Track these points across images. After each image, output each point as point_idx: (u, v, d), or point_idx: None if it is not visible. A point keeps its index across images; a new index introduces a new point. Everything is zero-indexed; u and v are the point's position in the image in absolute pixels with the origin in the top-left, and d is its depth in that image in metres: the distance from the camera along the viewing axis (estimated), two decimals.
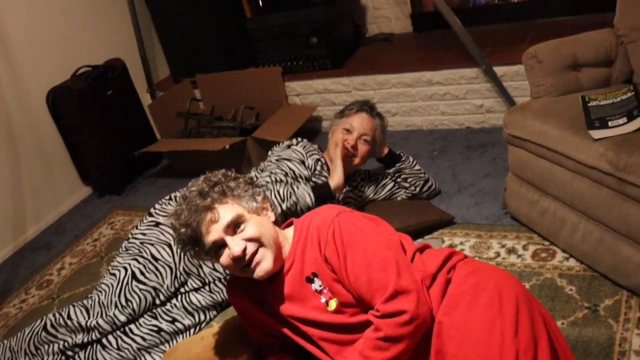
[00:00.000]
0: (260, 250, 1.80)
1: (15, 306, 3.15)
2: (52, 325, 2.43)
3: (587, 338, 1.98)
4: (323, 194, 2.60)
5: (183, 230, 1.80)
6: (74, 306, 2.46)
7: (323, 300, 1.81)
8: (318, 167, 2.74)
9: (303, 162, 2.74)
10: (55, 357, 2.41)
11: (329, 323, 1.81)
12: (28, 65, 3.83)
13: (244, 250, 1.77)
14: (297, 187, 2.57)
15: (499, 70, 3.36)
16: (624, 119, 2.13)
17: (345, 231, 1.77)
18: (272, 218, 1.92)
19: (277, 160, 2.75)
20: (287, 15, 4.06)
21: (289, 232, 1.95)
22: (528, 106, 2.47)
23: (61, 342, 2.41)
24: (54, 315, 2.46)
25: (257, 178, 2.67)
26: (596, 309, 2.10)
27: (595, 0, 3.49)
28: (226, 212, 1.79)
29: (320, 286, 1.81)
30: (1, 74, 3.68)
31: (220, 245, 1.80)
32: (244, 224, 1.80)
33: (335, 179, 2.63)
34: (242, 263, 1.79)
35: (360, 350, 1.70)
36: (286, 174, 2.66)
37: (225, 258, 1.80)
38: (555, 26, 3.46)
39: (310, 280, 1.83)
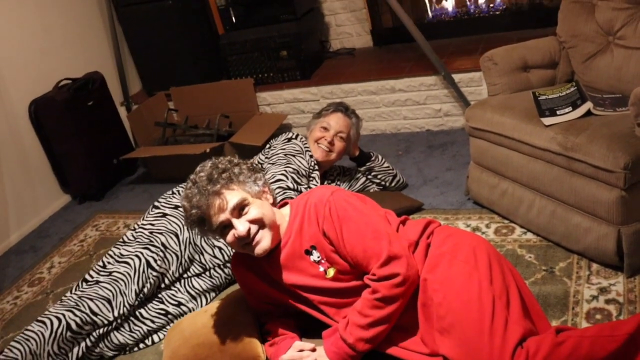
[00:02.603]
0: (261, 231, 2.06)
1: (9, 302, 3.29)
2: (77, 325, 2.46)
3: (547, 293, 2.31)
4: None
5: (194, 211, 2.04)
6: (91, 299, 2.53)
7: (322, 269, 2.08)
8: (312, 163, 3.01)
9: (303, 155, 3.01)
10: (81, 350, 2.52)
11: (328, 288, 2.09)
12: (10, 78, 4.00)
13: (248, 230, 2.03)
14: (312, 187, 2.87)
15: (455, 77, 3.72)
16: (570, 108, 2.48)
17: (340, 207, 2.05)
18: (270, 200, 2.17)
19: (285, 154, 2.95)
20: (258, 31, 4.37)
21: (285, 210, 2.21)
22: (486, 102, 2.81)
23: (87, 337, 2.52)
24: (74, 314, 2.47)
25: (261, 164, 2.96)
26: (552, 270, 2.43)
27: (538, 17, 3.91)
28: (233, 196, 2.03)
29: (318, 257, 2.08)
30: None
31: (226, 225, 2.05)
32: (248, 207, 2.05)
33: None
34: (245, 241, 2.05)
35: (359, 310, 1.98)
36: (298, 173, 2.87)
37: (230, 237, 2.05)
38: (503, 39, 3.81)
39: (309, 253, 2.10)
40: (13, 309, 3.23)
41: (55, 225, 4.07)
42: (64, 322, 2.46)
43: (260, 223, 2.05)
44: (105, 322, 2.52)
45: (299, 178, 2.84)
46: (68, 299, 2.58)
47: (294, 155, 2.96)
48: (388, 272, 1.92)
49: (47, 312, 2.52)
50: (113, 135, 4.42)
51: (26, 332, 2.44)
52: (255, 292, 2.28)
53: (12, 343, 2.41)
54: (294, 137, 3.09)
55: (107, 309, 2.53)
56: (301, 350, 2.11)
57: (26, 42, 4.13)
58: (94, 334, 2.53)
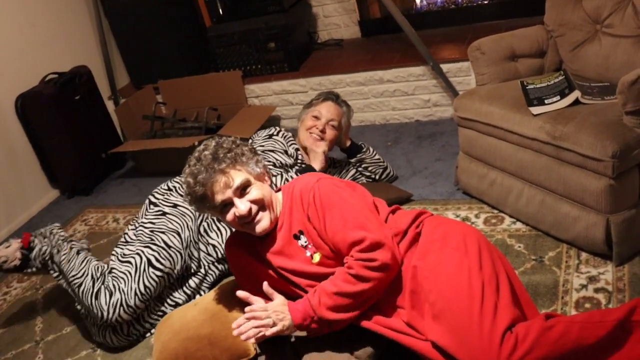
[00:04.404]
0: (261, 212, 2.08)
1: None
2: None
3: (536, 282, 2.32)
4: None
5: (197, 188, 2.04)
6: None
7: (308, 254, 2.08)
8: (299, 156, 3.00)
9: (286, 152, 3.00)
10: None
11: (314, 273, 2.08)
12: None
13: (249, 210, 2.05)
14: (290, 178, 2.84)
15: (443, 67, 3.71)
16: (558, 97, 2.48)
17: (324, 195, 2.06)
18: (269, 183, 2.19)
19: (262, 151, 2.97)
20: (245, 23, 4.34)
21: (280, 196, 2.22)
22: (475, 92, 2.81)
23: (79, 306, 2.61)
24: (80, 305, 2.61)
25: None
26: (542, 259, 2.44)
27: (525, 5, 3.90)
28: (237, 176, 2.06)
29: (305, 242, 2.09)
30: None
31: (227, 204, 2.06)
32: (250, 187, 2.07)
33: (318, 162, 2.93)
34: (245, 220, 2.07)
35: (331, 278, 1.99)
36: (274, 165, 2.90)
37: (230, 215, 2.06)
38: (491, 28, 3.82)
39: (297, 237, 2.10)
40: (2, 304, 3.23)
41: (45, 220, 4.05)
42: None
43: (260, 204, 2.07)
44: (101, 319, 2.52)
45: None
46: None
47: (272, 151, 2.97)
48: (366, 257, 1.91)
49: None
50: (101, 129, 4.39)
51: None
52: (247, 275, 2.27)
53: None
54: (275, 133, 3.09)
55: (105, 300, 2.50)
56: None
57: (12, 36, 4.09)
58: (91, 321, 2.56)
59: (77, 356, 2.68)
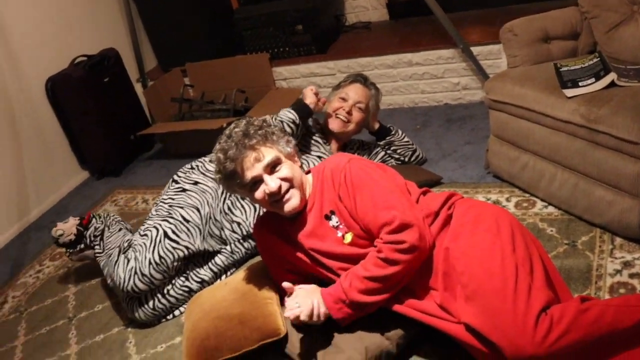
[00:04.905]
0: (291, 190, 2.08)
1: (32, 276, 3.34)
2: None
3: (569, 266, 2.29)
4: (301, 109, 2.93)
5: (227, 164, 2.05)
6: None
7: (340, 234, 2.08)
8: (316, 141, 3.01)
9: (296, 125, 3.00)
10: None
11: (345, 255, 2.08)
12: (27, 56, 4.01)
13: (279, 187, 2.05)
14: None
15: (473, 50, 3.67)
16: (592, 79, 2.44)
17: (355, 175, 2.05)
18: (299, 164, 2.19)
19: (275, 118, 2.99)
20: (273, 5, 4.33)
21: (309, 177, 2.22)
22: (506, 74, 2.78)
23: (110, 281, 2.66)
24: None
25: None
26: (574, 244, 2.41)
27: None
28: (268, 153, 2.06)
29: (337, 222, 2.09)
30: (2, 64, 3.86)
31: (257, 181, 2.06)
32: (280, 165, 2.08)
33: (307, 98, 2.98)
34: (275, 198, 2.07)
35: (362, 263, 1.99)
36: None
37: (260, 192, 2.07)
38: (521, 11, 3.74)
39: (328, 218, 2.10)
40: (36, 282, 3.28)
41: (74, 201, 4.10)
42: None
43: (290, 182, 2.07)
44: (118, 290, 2.59)
45: None
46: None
47: (281, 122, 2.95)
48: (395, 239, 1.91)
49: None
50: (129, 111, 4.42)
51: None
52: (277, 257, 2.28)
53: None
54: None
55: (122, 268, 2.59)
56: None
57: (41, 20, 4.12)
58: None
59: (109, 333, 2.72)
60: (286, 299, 2.09)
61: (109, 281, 2.68)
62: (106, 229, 2.89)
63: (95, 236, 2.87)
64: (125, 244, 2.69)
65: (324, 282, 2.18)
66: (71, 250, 2.93)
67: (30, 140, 4.03)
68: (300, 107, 2.95)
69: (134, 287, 2.55)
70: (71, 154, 4.32)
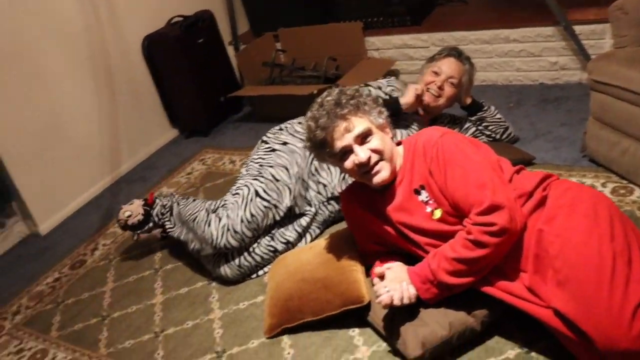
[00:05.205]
0: (381, 162, 2.07)
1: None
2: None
3: None
4: (391, 106, 2.80)
5: (318, 132, 2.06)
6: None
7: (429, 209, 2.05)
8: (395, 94, 2.96)
9: (380, 88, 2.97)
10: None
11: (434, 231, 2.05)
12: (125, 14, 4.13)
13: (369, 158, 2.04)
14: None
15: (575, 28, 3.53)
16: None
17: (447, 150, 2.02)
18: (390, 136, 2.16)
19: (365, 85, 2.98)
20: None
21: (400, 149, 2.20)
22: (612, 54, 2.67)
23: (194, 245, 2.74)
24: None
25: None
26: None
27: None
28: (359, 123, 2.05)
29: (426, 197, 2.06)
30: (104, 21, 3.98)
31: (347, 151, 2.06)
32: (371, 136, 2.06)
33: (406, 97, 2.86)
34: (364, 169, 2.06)
35: (450, 243, 1.96)
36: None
37: (349, 162, 2.07)
38: None
39: (417, 192, 2.08)
40: (125, 233, 3.38)
41: (163, 157, 4.22)
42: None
43: (380, 154, 2.06)
44: (208, 240, 2.64)
45: None
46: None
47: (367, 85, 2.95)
48: (485, 220, 1.86)
49: None
50: (221, 73, 4.49)
51: None
52: (363, 229, 2.28)
53: None
54: (380, 79, 3.07)
55: (212, 226, 2.65)
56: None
57: None
58: (199, 249, 2.71)
59: (194, 286, 2.81)
60: (374, 281, 2.10)
61: (191, 247, 2.75)
62: (175, 205, 2.95)
63: (163, 214, 2.96)
64: (213, 206, 2.76)
65: (409, 256, 2.18)
66: (139, 232, 3.03)
67: (126, 96, 4.16)
68: (392, 104, 2.82)
69: (226, 244, 2.61)
70: (162, 112, 4.44)
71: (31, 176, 3.66)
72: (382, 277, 2.08)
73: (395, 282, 2.01)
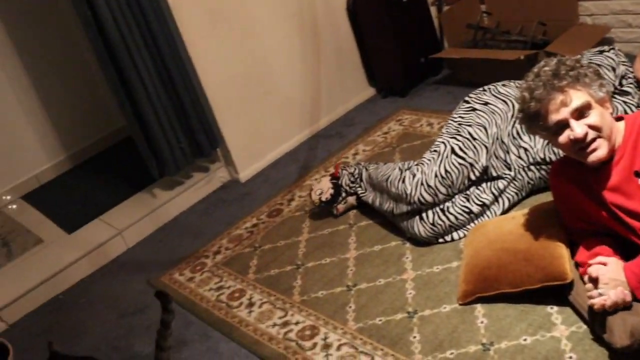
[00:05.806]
0: (599, 139, 1.94)
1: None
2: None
3: None
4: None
5: (532, 104, 1.98)
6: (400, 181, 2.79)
7: None
8: (629, 76, 2.76)
9: (614, 69, 2.78)
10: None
11: None
12: None
13: (585, 134, 1.92)
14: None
15: None
16: None
17: None
18: (610, 111, 2.03)
19: (589, 62, 2.80)
20: None
21: (621, 125, 2.05)
22: None
23: (387, 205, 2.83)
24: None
25: None
26: None
27: None
28: (577, 97, 1.93)
29: None
30: None
31: (562, 125, 1.96)
32: (589, 111, 1.94)
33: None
34: (579, 146, 1.95)
35: None
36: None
37: (564, 137, 1.96)
38: None
39: (638, 175, 1.93)
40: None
41: (361, 115, 4.29)
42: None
43: (598, 131, 1.94)
44: (402, 195, 2.72)
45: None
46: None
47: (598, 65, 2.74)
48: None
49: None
50: (423, 34, 4.44)
51: None
52: (572, 206, 2.18)
53: None
54: (607, 50, 2.87)
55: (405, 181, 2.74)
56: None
57: None
58: (393, 208, 2.81)
59: (387, 245, 2.86)
60: (586, 279, 2.00)
61: (385, 206, 2.84)
62: (363, 170, 3.07)
63: (352, 181, 3.10)
64: (406, 166, 2.82)
65: (616, 239, 2.06)
66: (336, 205, 3.15)
67: (328, 53, 4.26)
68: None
69: (420, 198, 2.67)
70: (362, 70, 4.50)
71: (236, 125, 3.89)
72: (594, 280, 1.95)
73: (609, 287, 1.89)
